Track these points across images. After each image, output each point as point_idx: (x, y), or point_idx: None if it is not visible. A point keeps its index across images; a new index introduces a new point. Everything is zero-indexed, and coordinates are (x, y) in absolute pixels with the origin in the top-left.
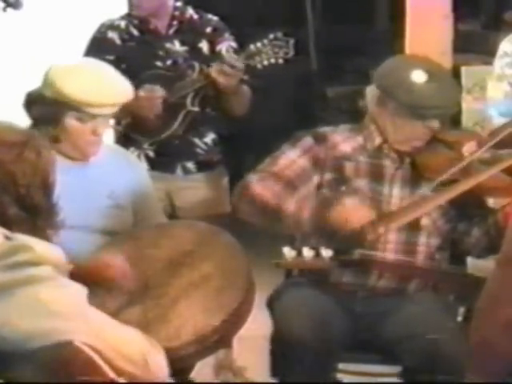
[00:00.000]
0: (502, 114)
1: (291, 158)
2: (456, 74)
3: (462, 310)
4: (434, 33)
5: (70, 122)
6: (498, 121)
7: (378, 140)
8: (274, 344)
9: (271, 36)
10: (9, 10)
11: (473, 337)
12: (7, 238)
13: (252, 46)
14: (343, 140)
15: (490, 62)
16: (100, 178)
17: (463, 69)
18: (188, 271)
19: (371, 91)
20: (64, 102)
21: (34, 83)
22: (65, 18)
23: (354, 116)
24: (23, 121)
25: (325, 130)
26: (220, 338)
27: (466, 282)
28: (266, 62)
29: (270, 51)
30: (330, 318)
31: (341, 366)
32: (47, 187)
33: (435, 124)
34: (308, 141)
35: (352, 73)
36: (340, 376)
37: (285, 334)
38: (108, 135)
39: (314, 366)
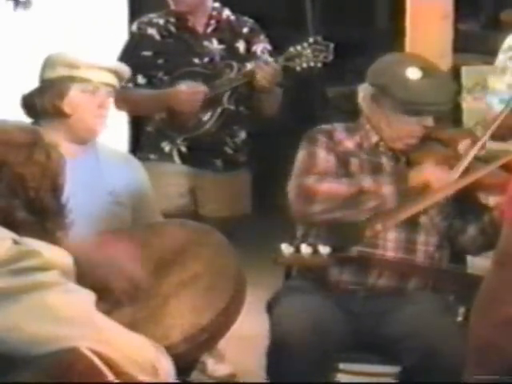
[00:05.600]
0: (502, 101)
1: (323, 157)
2: (456, 73)
3: (462, 309)
4: (433, 33)
5: (76, 95)
6: (498, 108)
7: (374, 138)
8: (271, 348)
9: (311, 39)
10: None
11: (471, 336)
12: (15, 242)
13: (292, 49)
14: (344, 137)
15: (490, 62)
16: (101, 174)
17: (463, 68)
18: (177, 271)
19: (364, 89)
20: (66, 76)
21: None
22: (66, 18)
23: (354, 116)
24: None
25: (326, 127)
26: (209, 337)
27: (465, 281)
28: (305, 65)
29: (310, 54)
30: (328, 323)
31: (341, 366)
32: (56, 189)
33: (429, 122)
34: (323, 139)
35: (352, 73)
36: (340, 376)
37: (283, 340)
38: (122, 139)
39: (311, 370)
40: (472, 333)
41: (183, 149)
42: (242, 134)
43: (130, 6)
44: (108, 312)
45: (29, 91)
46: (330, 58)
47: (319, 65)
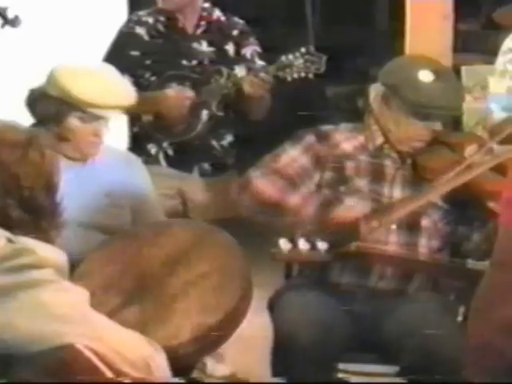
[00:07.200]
0: (504, 109)
1: (292, 156)
2: (456, 73)
3: (461, 309)
4: (434, 33)
5: (73, 121)
6: (499, 115)
7: (379, 140)
8: (275, 345)
9: (303, 49)
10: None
11: (470, 336)
12: (10, 240)
13: (284, 58)
14: (345, 139)
15: (490, 62)
16: (99, 176)
17: (464, 68)
18: (185, 270)
19: (375, 89)
20: (68, 102)
21: (36, 83)
22: (67, 20)
23: (354, 115)
24: (26, 121)
25: (327, 128)
26: (218, 337)
27: (465, 276)
28: (295, 75)
29: (301, 65)
30: (330, 320)
31: (341, 366)
32: (51, 188)
33: (437, 126)
34: (310, 139)
35: (352, 72)
36: (340, 376)
37: (285, 337)
38: (122, 136)
39: (313, 368)
40: (471, 334)
41: (170, 152)
42: (229, 137)
43: (130, 6)
44: (116, 310)
45: (34, 90)
46: (322, 69)
47: (310, 76)
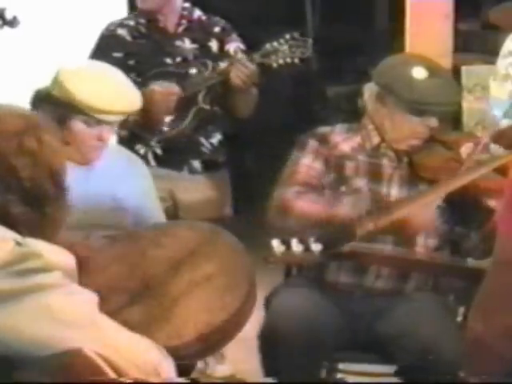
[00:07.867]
0: (507, 116)
1: (307, 164)
2: (456, 73)
3: (461, 309)
4: (434, 32)
5: (77, 125)
6: (503, 122)
7: (375, 139)
8: (263, 342)
9: (288, 36)
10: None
11: (469, 336)
12: (18, 243)
13: (268, 45)
14: (342, 140)
15: (490, 62)
16: (103, 180)
17: (464, 68)
18: (190, 270)
19: (369, 89)
20: (73, 105)
21: (36, 84)
22: (66, 21)
23: (354, 115)
24: None
25: (324, 130)
26: (222, 338)
27: (464, 274)
28: (281, 61)
29: (286, 50)
30: (322, 318)
31: (340, 365)
32: (54, 174)
33: (433, 122)
34: (314, 144)
35: (351, 72)
36: (339, 376)
37: (275, 333)
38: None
39: (301, 365)
40: (470, 337)
41: (158, 151)
42: (218, 135)
43: (130, 6)
44: (119, 309)
45: (39, 91)
46: (308, 53)
47: (296, 61)
